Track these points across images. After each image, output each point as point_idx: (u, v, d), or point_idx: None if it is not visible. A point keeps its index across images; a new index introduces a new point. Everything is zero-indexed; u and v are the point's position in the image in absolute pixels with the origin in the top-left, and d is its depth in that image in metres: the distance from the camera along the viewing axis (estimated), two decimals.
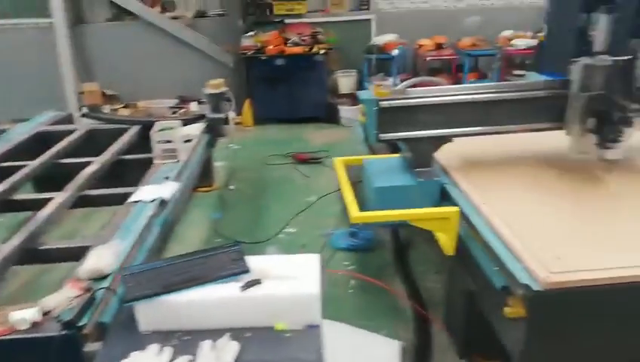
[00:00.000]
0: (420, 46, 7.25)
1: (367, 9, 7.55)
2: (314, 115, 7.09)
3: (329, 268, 3.58)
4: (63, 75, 7.31)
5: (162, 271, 1.61)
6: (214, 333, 1.47)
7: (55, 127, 4.44)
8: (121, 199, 3.09)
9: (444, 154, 2.88)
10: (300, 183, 5.16)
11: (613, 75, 2.32)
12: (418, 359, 2.63)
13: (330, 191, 4.56)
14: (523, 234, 2.04)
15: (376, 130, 2.66)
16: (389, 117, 2.64)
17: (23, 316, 1.58)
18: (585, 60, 2.35)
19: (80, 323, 1.58)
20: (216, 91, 4.64)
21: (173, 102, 7.58)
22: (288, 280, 1.53)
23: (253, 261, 1.63)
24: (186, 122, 4.42)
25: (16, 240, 2.34)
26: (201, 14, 7.61)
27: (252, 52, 6.80)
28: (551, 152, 2.78)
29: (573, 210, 2.29)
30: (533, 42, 6.26)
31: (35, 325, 1.61)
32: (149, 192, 3.08)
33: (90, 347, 1.58)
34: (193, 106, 6.85)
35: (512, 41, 6.68)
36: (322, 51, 6.77)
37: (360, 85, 7.24)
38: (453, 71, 7.11)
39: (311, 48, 6.80)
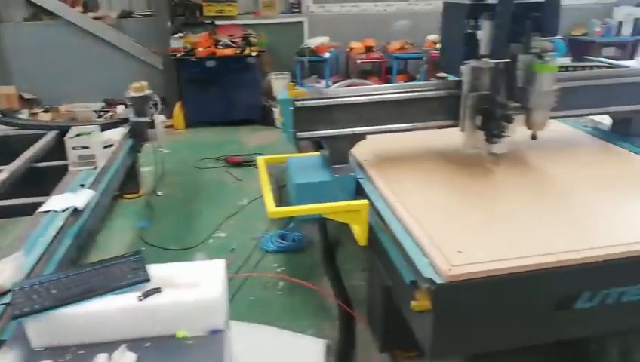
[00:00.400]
0: (351, 49, 7.38)
1: (299, 12, 7.59)
2: (248, 118, 7.03)
3: (258, 272, 3.58)
4: None
5: (58, 283, 1.53)
6: (111, 346, 1.42)
7: None
8: (31, 209, 2.93)
9: (359, 151, 3.02)
10: (232, 187, 5.10)
11: (496, 76, 2.50)
12: (341, 356, 2.67)
13: (259, 196, 4.54)
14: (429, 229, 2.14)
15: (293, 129, 2.73)
16: (305, 116, 2.72)
17: None
18: (472, 63, 2.52)
19: None
20: (140, 94, 4.49)
21: (98, 105, 7.26)
22: (189, 287, 1.50)
23: (155, 269, 1.59)
24: (106, 127, 4.25)
25: None
26: (126, 14, 7.34)
27: (181, 54, 6.64)
28: (453, 148, 2.93)
29: (470, 203, 2.43)
30: None
31: None
32: (61, 201, 2.93)
33: None
34: (120, 110, 6.59)
35: (438, 45, 6.96)
36: (254, 53, 6.73)
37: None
38: (382, 73, 7.29)
39: (242, 50, 6.74)
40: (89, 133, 3.63)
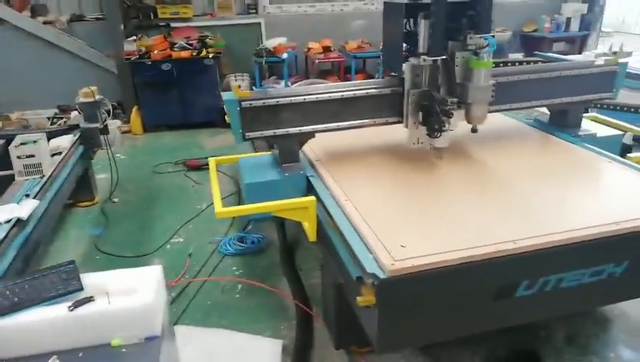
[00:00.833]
0: (309, 49, 7.40)
1: (256, 13, 7.56)
2: (208, 120, 6.93)
3: (216, 275, 3.55)
4: None
5: None
6: (43, 358, 1.38)
7: None
8: None
9: (311, 149, 3.08)
10: (191, 191, 5.03)
11: (435, 73, 2.57)
12: (297, 356, 2.67)
13: (222, 197, 4.50)
14: (375, 225, 2.17)
15: (241, 129, 2.74)
16: (252, 117, 2.74)
17: None
18: (412, 61, 2.58)
19: None
20: (90, 100, 4.37)
21: (52, 112, 7.02)
22: (123, 294, 1.48)
23: (89, 278, 1.56)
24: (54, 134, 4.13)
25: None
26: (77, 18, 7.14)
27: (136, 57, 6.50)
28: (399, 143, 2.98)
29: (415, 197, 2.48)
30: None
31: None
32: (3, 212, 2.83)
33: None
34: (74, 116, 6.41)
35: None
36: (211, 55, 6.65)
37: (253, 88, 7.22)
38: (341, 72, 7.34)
39: (199, 52, 6.65)
40: (35, 142, 3.51)
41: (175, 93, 6.73)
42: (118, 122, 6.73)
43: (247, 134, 2.78)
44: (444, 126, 2.55)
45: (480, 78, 2.57)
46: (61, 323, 1.40)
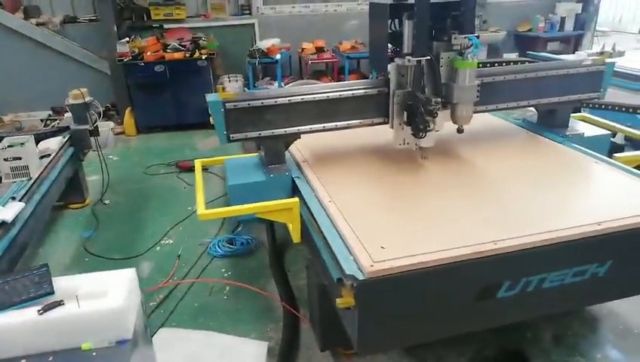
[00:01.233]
0: (303, 50, 7.39)
1: (249, 14, 7.56)
2: (201, 121, 6.86)
3: (204, 278, 3.54)
4: None
5: None
6: None
7: None
8: None
9: (298, 150, 3.07)
10: (183, 192, 5.02)
11: (419, 73, 2.56)
12: (282, 357, 2.66)
13: (213, 198, 4.50)
14: (357, 226, 2.16)
15: (225, 130, 2.73)
16: (237, 118, 2.73)
17: None
18: (397, 61, 2.57)
19: None
20: (79, 101, 4.36)
21: (45, 114, 7.02)
22: (95, 298, 1.47)
23: (61, 282, 1.55)
24: (43, 136, 4.12)
25: None
26: (70, 20, 7.14)
27: (129, 58, 6.49)
28: (386, 144, 2.97)
29: (399, 198, 2.47)
30: None
31: None
32: None
33: None
34: (67, 118, 6.40)
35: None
36: (204, 56, 6.64)
37: (248, 89, 7.22)
38: (335, 73, 7.34)
39: (192, 54, 6.64)
40: (22, 144, 3.50)
41: (168, 95, 6.72)
42: (111, 124, 6.77)
43: (231, 136, 2.77)
44: (429, 126, 2.54)
45: (465, 78, 2.56)
46: (31, 327, 1.39)
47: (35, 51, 6.97)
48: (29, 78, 7.09)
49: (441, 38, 2.57)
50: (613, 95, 4.94)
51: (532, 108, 3.37)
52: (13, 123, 6.92)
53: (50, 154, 3.91)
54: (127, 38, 6.75)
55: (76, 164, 4.54)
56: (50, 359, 1.39)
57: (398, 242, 2.04)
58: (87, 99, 4.44)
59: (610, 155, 3.09)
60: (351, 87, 2.83)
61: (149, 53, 6.53)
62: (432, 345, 2.68)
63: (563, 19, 8.71)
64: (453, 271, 1.96)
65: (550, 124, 3.24)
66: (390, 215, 2.31)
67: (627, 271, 2.24)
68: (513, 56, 8.52)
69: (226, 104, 2.70)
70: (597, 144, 3.13)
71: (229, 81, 7.28)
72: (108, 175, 4.95)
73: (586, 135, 3.21)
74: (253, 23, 7.57)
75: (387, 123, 2.83)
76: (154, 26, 7.19)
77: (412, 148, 2.77)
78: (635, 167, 2.92)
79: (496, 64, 4.03)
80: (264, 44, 7.07)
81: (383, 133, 2.99)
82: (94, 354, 1.42)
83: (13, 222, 2.91)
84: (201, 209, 2.55)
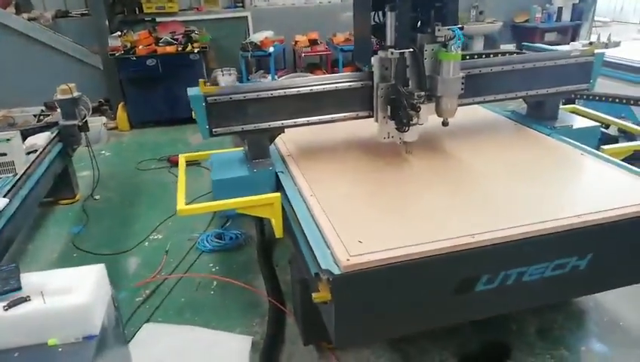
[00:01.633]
0: (296, 42, 7.34)
1: (242, 6, 7.51)
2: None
3: (191, 273, 3.53)
4: None
5: None
6: None
7: None
8: None
9: (284, 144, 3.06)
10: (173, 187, 4.84)
11: (402, 66, 2.52)
12: (266, 351, 2.66)
13: (204, 193, 4.49)
14: (336, 220, 2.14)
15: (208, 125, 2.71)
16: (219, 112, 2.71)
17: None
18: (380, 54, 2.54)
19: None
20: (67, 96, 4.34)
21: (38, 109, 7.00)
22: (62, 294, 1.46)
23: (30, 278, 1.54)
24: (30, 132, 4.10)
25: None
26: (62, 14, 7.10)
27: (121, 53, 6.46)
28: (371, 138, 2.94)
29: (381, 193, 2.45)
30: None
31: None
32: None
33: None
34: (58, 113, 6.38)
35: None
36: (197, 50, 6.60)
37: (241, 83, 7.18)
38: (328, 66, 7.29)
39: (184, 47, 6.60)
40: (8, 140, 3.49)
41: (161, 89, 6.69)
42: (103, 119, 6.75)
43: (214, 130, 2.76)
44: (412, 120, 2.52)
45: (449, 70, 2.53)
46: None
47: (27, 47, 6.93)
48: (22, 73, 7.05)
49: (425, 30, 2.54)
50: (608, 86, 4.90)
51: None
52: (6, 119, 6.87)
53: (37, 150, 3.90)
54: (119, 32, 6.72)
55: (66, 159, 4.53)
56: (16, 354, 1.39)
57: (377, 236, 2.03)
58: (76, 94, 4.42)
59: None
60: (335, 81, 2.81)
61: (141, 47, 6.50)
62: (416, 338, 2.67)
63: (560, 10, 8.64)
64: (430, 264, 1.95)
65: (539, 115, 3.21)
66: (371, 209, 2.29)
67: (608, 264, 2.22)
68: (510, 47, 8.48)
69: (208, 98, 2.69)
70: (586, 136, 3.10)
71: (223, 74, 7.25)
72: (98, 170, 4.94)
73: (575, 127, 3.18)
74: (247, 16, 7.52)
75: (372, 116, 2.80)
76: (146, 19, 7.15)
77: (396, 142, 2.75)
78: (623, 159, 2.91)
79: (484, 56, 3.98)
80: (257, 37, 7.03)
81: (369, 127, 2.96)
82: (60, 349, 1.41)
83: None
84: (180, 204, 2.55)
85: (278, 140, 3.10)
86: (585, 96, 4.75)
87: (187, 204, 4.33)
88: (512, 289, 2.11)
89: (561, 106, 3.58)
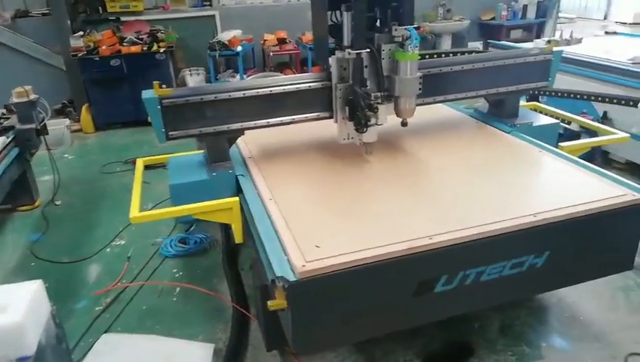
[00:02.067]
0: (265, 41, 7.27)
1: (210, 5, 7.38)
2: None
3: (154, 279, 3.44)
4: None
5: None
6: None
7: None
8: None
9: (246, 146, 3.01)
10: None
11: (359, 66, 2.50)
12: (228, 358, 2.61)
13: (169, 197, 4.38)
14: (294, 225, 2.11)
15: (164, 128, 2.64)
16: (175, 115, 2.64)
17: None
18: (338, 54, 2.51)
19: None
20: (24, 100, 4.19)
21: None
22: None
23: None
24: None
25: None
26: (22, 14, 6.85)
27: (83, 53, 6.27)
28: (332, 139, 2.92)
29: (340, 195, 2.42)
30: None
31: None
32: None
33: None
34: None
35: None
36: (162, 49, 6.46)
37: (209, 82, 7.07)
38: (297, 65, 7.24)
39: (150, 47, 6.46)
40: None
41: (126, 90, 6.53)
42: (66, 121, 6.55)
43: (170, 133, 2.70)
44: (370, 121, 2.50)
45: (406, 70, 2.51)
46: None
47: None
48: None
49: (382, 30, 2.52)
50: (570, 82, 4.99)
51: None
52: None
53: None
54: (82, 32, 6.52)
55: (24, 164, 4.37)
56: None
57: (335, 240, 2.00)
58: (33, 96, 4.27)
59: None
60: (295, 82, 2.77)
61: (104, 47, 6.32)
62: (380, 340, 2.66)
63: (525, 7, 8.78)
64: (387, 267, 1.93)
65: (500, 113, 3.24)
66: (330, 212, 2.26)
67: (565, 261, 2.24)
68: (477, 44, 8.58)
69: (163, 101, 2.62)
70: (546, 133, 3.14)
71: (191, 74, 7.14)
72: (58, 175, 4.78)
73: (534, 124, 3.22)
74: (214, 15, 7.40)
75: (332, 118, 2.77)
76: (110, 19, 6.97)
77: (356, 143, 2.73)
78: (580, 156, 2.95)
79: (443, 55, 4.00)
80: (225, 36, 6.93)
81: (333, 127, 2.93)
82: None
83: None
84: (133, 211, 2.47)
85: (239, 142, 3.05)
86: (547, 93, 4.82)
87: (152, 208, 4.39)
88: (471, 289, 2.11)
89: (522, 103, 3.62)
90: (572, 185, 2.40)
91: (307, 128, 2.93)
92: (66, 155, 5.92)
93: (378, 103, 2.47)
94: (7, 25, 6.75)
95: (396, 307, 2.06)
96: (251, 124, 2.77)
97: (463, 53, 4.28)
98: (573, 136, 4.87)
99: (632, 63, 4.50)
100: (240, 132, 2.80)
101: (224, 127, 2.73)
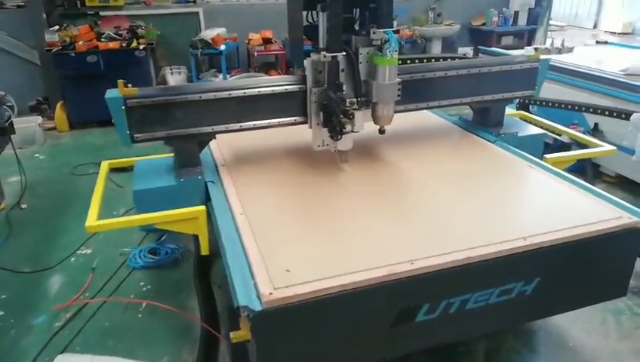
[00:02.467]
0: (249, 40, 7.05)
1: (194, 2, 7.15)
2: None
3: (119, 293, 3.22)
4: None
5: None
6: None
7: None
8: None
9: (218, 148, 2.85)
10: (111, 195, 4.58)
11: (334, 69, 2.33)
12: None
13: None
14: (264, 245, 1.93)
15: (128, 130, 2.48)
16: (142, 116, 2.47)
17: None
18: (313, 57, 2.34)
19: None
20: None
21: None
22: None
23: None
24: None
25: None
26: None
27: (58, 48, 6.00)
28: (309, 143, 2.73)
29: (314, 210, 2.25)
30: None
31: None
32: None
33: None
34: None
35: None
36: (142, 46, 6.22)
37: (191, 82, 6.83)
38: (282, 66, 7.04)
39: (129, 43, 6.21)
40: None
41: (103, 87, 6.07)
42: (39, 119, 6.26)
43: (136, 136, 2.51)
44: (345, 128, 2.32)
45: (384, 75, 2.34)
46: None
47: None
48: None
49: (360, 32, 2.34)
50: (561, 92, 4.87)
51: None
52: None
53: None
54: (58, 27, 6.25)
55: None
56: None
57: (307, 262, 1.82)
58: None
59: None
60: (271, 84, 2.58)
61: (80, 43, 6.06)
62: None
63: (516, 14, 8.69)
64: (365, 295, 1.75)
65: (484, 122, 3.09)
66: (302, 231, 2.07)
67: (556, 288, 2.08)
68: (468, 49, 8.46)
69: (128, 101, 2.43)
70: (531, 144, 3.01)
71: (172, 73, 6.90)
72: (25, 177, 4.53)
73: (519, 134, 3.07)
74: (198, 12, 7.16)
75: (306, 123, 2.60)
76: (89, 13, 6.69)
77: (331, 150, 2.55)
78: (569, 168, 2.81)
79: (425, 60, 3.84)
80: (208, 34, 6.70)
81: (310, 132, 2.75)
82: None
83: None
84: (90, 219, 2.28)
85: (213, 145, 2.87)
86: (538, 102, 4.69)
87: (123, 213, 4.15)
88: (456, 318, 1.94)
89: (509, 111, 3.48)
90: (563, 204, 2.23)
91: (285, 131, 2.75)
92: (37, 155, 5.65)
93: (354, 109, 2.29)
94: None
95: (374, 338, 1.88)
96: (223, 127, 2.59)
97: (446, 58, 4.11)
98: (564, 147, 4.73)
99: (625, 75, 4.38)
100: (211, 135, 2.61)
101: (194, 130, 2.54)
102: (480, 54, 6.17)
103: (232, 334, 1.69)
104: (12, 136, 4.32)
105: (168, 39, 7.01)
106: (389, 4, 2.24)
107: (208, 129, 2.56)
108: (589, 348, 2.65)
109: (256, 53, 6.82)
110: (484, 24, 8.66)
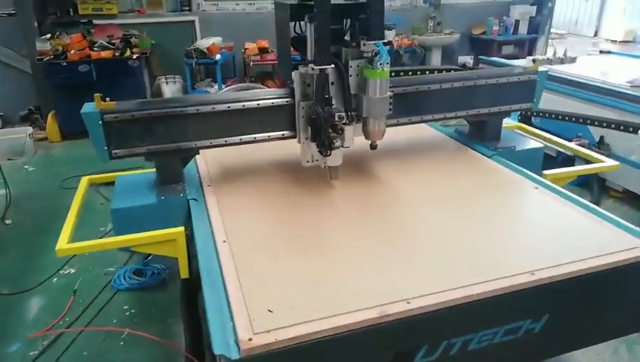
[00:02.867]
0: (245, 50, 6.92)
1: (189, 10, 7.02)
2: None
3: (101, 317, 3.05)
4: None
5: None
6: None
7: None
8: None
9: (205, 164, 2.73)
10: (99, 210, 4.47)
11: (322, 83, 2.17)
12: None
13: None
14: (247, 280, 1.76)
15: (106, 146, 2.35)
16: (120, 131, 2.33)
17: None
18: (301, 69, 2.19)
19: None
20: None
21: None
22: None
23: None
24: None
25: None
26: None
27: (50, 57, 5.87)
28: (299, 158, 2.58)
29: (301, 237, 2.07)
30: None
31: None
32: None
33: None
34: None
35: None
36: (136, 56, 6.09)
37: (186, 92, 6.70)
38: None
39: (123, 52, 6.08)
40: None
41: None
42: (29, 129, 6.12)
43: (114, 152, 2.37)
44: (334, 142, 2.17)
45: (375, 89, 2.18)
46: None
47: None
48: None
49: (350, 44, 2.19)
50: (565, 104, 4.71)
51: None
52: None
53: None
54: (50, 35, 6.12)
55: None
56: None
57: (291, 300, 1.64)
58: None
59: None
60: (257, 97, 2.44)
61: (72, 52, 5.93)
62: None
63: (517, 23, 8.56)
64: (356, 338, 1.57)
65: (481, 136, 2.94)
66: (289, 263, 1.89)
67: (568, 325, 1.91)
68: (468, 58, 8.32)
69: (105, 116, 2.30)
70: (529, 158, 2.86)
71: (167, 82, 6.75)
72: (9, 191, 4.37)
73: (517, 148, 2.91)
74: (194, 21, 7.04)
75: (294, 138, 2.45)
76: (82, 21, 6.57)
77: (321, 166, 2.39)
78: (574, 183, 2.65)
79: (418, 72, 3.69)
80: (203, 43, 6.57)
81: (299, 146, 2.60)
82: None
83: None
84: (61, 242, 2.12)
85: (199, 159, 2.74)
86: (541, 115, 4.53)
87: (110, 230, 3.98)
88: (457, 360, 1.76)
89: (508, 123, 3.33)
90: (572, 231, 2.06)
91: (274, 144, 2.60)
92: (27, 166, 5.50)
93: (344, 124, 2.14)
94: None
95: None
96: (207, 142, 2.44)
97: (440, 70, 3.96)
98: (568, 160, 4.58)
99: (631, 86, 4.23)
100: (194, 151, 2.47)
101: (175, 146, 2.40)
102: (480, 64, 6.02)
103: None
104: None
105: (163, 48, 6.88)
106: (379, 15, 2.09)
107: (191, 144, 2.41)
108: None
109: (252, 63, 6.69)
110: (484, 33, 8.53)
